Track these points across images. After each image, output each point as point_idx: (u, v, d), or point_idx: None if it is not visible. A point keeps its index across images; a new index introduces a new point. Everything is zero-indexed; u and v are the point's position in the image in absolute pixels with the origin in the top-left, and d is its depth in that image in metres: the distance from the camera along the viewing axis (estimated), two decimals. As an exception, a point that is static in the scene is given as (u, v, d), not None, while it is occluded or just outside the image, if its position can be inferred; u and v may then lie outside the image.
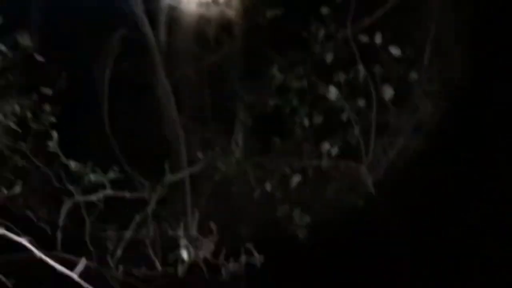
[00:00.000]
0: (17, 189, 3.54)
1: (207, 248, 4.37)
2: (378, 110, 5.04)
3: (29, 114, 4.63)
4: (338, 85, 5.15)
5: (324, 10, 5.22)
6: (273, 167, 5.63)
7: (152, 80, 6.12)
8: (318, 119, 5.36)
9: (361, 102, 5.11)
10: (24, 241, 3.33)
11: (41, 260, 3.62)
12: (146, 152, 6.12)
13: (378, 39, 4.95)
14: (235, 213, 5.58)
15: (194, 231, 4.43)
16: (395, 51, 4.95)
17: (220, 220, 4.82)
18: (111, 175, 4.48)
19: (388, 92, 4.99)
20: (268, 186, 5.44)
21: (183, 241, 4.28)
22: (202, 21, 6.32)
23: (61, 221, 4.39)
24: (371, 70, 5.12)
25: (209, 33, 6.40)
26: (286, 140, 5.71)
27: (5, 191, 3.54)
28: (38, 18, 5.60)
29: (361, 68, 5.09)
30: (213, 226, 4.50)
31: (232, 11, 6.30)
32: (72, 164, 4.43)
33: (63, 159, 4.46)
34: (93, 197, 4.40)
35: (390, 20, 5.27)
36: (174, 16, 6.27)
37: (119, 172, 4.51)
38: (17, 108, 4.53)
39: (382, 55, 5.07)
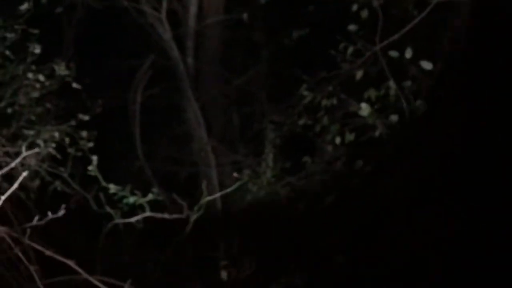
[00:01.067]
0: (61, 212, 3.58)
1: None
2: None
3: (67, 140, 4.71)
4: (369, 102, 5.13)
5: (352, 27, 5.21)
6: (304, 187, 5.61)
7: (182, 103, 6.19)
8: (349, 137, 5.33)
9: (394, 118, 5.08)
10: (71, 263, 3.35)
11: (85, 283, 3.64)
12: (177, 175, 6.16)
13: (408, 54, 4.94)
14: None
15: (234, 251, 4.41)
16: (426, 65, 4.92)
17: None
18: (150, 197, 4.49)
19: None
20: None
21: (222, 262, 4.26)
22: (229, 43, 6.40)
23: (100, 244, 4.40)
24: (401, 85, 5.09)
25: (236, 55, 6.47)
26: (317, 159, 5.69)
27: (49, 214, 3.57)
28: (73, 47, 5.73)
29: (392, 84, 5.07)
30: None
31: (258, 33, 6.37)
32: (112, 187, 4.46)
33: (103, 182, 4.49)
34: (133, 219, 4.41)
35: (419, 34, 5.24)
36: (201, 40, 6.34)
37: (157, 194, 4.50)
38: (56, 134, 4.61)
39: (412, 70, 5.05)
